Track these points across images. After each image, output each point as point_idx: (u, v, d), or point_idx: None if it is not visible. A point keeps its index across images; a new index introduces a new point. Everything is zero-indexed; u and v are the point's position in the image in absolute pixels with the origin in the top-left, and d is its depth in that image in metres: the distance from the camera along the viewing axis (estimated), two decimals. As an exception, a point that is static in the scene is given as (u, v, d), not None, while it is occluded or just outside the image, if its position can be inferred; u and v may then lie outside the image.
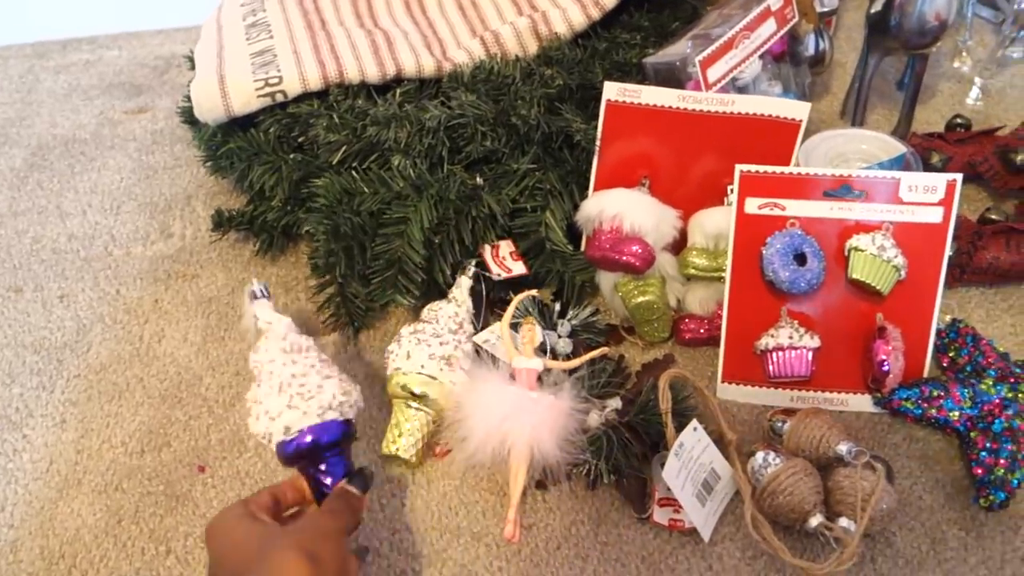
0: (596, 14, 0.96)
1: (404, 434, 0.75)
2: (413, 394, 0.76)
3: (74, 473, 0.79)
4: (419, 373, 0.76)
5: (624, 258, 0.79)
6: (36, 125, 1.21)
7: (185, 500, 0.76)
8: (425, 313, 0.81)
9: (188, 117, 1.02)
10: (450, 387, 0.76)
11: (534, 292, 0.82)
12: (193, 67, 1.03)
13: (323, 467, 0.67)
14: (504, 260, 0.84)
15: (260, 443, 0.79)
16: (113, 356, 0.88)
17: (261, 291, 0.77)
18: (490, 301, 0.86)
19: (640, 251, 0.79)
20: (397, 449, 0.75)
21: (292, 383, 0.69)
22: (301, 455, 0.67)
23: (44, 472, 0.79)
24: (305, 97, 0.92)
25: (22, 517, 0.75)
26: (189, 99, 0.97)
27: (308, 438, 0.67)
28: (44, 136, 1.17)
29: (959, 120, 1.00)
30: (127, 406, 0.84)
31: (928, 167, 0.94)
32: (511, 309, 0.79)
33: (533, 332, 0.78)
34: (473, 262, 0.83)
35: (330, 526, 0.62)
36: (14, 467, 0.79)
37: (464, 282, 0.83)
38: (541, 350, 0.80)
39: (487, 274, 0.83)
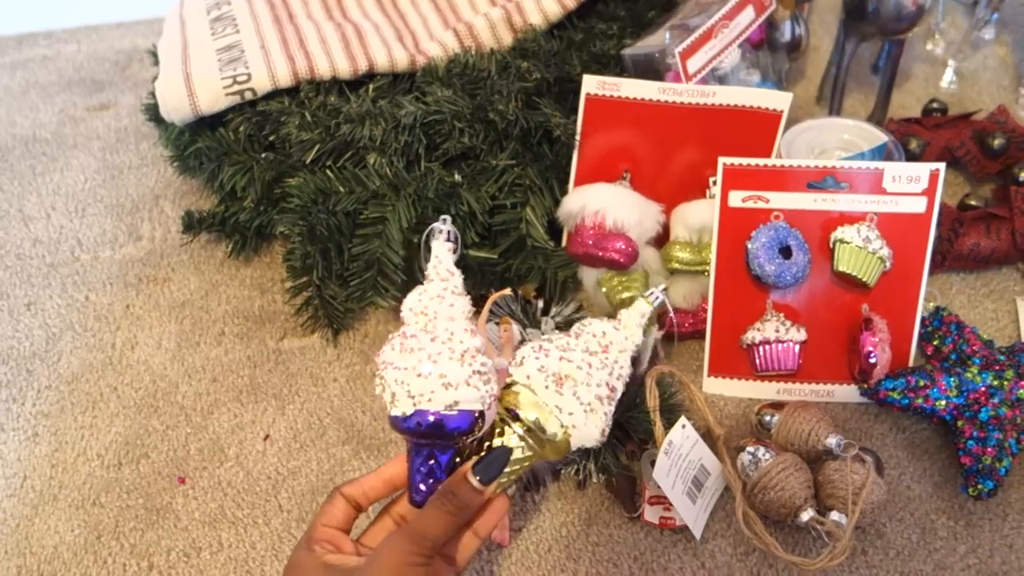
0: (571, 4, 0.94)
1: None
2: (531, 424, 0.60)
3: (49, 488, 0.76)
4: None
5: (608, 255, 0.78)
6: (-6, 124, 1.17)
7: (166, 513, 0.74)
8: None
9: (153, 114, 0.98)
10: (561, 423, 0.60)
11: (507, 291, 0.80)
12: (156, 62, 0.99)
13: (435, 453, 0.59)
14: None
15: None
16: (85, 365, 0.86)
17: (450, 232, 0.64)
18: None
19: (624, 247, 0.78)
20: None
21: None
22: (427, 433, 0.58)
23: (18, 488, 0.76)
24: (275, 94, 0.89)
25: (-4, 537, 0.73)
26: (153, 96, 0.94)
27: (436, 419, 0.57)
28: (3, 136, 1.13)
29: (935, 105, 1.00)
30: (102, 417, 0.81)
31: (906, 153, 0.94)
32: (486, 309, 0.77)
33: (510, 332, 0.76)
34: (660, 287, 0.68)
35: (402, 559, 0.55)
36: (-14, 485, 0.77)
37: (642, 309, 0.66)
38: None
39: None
